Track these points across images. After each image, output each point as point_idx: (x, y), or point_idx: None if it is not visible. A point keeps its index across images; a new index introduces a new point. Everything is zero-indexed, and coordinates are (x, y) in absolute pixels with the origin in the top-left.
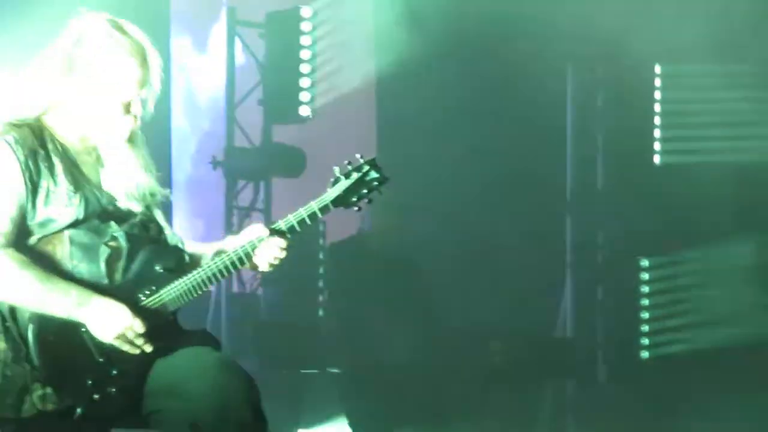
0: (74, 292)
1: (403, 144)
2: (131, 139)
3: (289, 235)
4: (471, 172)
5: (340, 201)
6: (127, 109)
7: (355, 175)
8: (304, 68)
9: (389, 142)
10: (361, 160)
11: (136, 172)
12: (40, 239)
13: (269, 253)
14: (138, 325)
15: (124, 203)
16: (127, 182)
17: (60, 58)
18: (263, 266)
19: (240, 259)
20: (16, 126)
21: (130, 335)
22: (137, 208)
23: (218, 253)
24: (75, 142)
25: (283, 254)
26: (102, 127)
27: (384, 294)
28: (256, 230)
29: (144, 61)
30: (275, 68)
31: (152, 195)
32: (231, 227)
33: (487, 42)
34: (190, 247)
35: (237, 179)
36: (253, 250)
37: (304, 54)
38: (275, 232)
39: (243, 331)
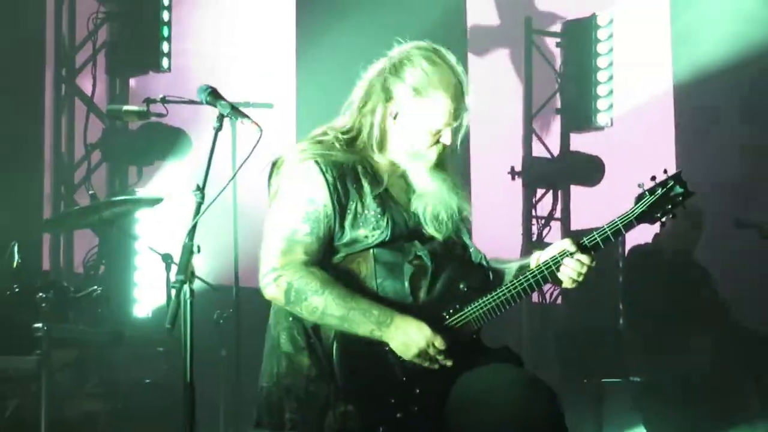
0: (376, 312)
1: (700, 151)
2: (438, 164)
3: (593, 253)
4: None
5: (645, 217)
6: (436, 139)
7: (659, 191)
8: (602, 76)
9: (688, 151)
10: (665, 175)
11: (444, 196)
12: (345, 257)
13: (573, 269)
14: (440, 342)
15: (430, 225)
16: (434, 206)
17: (378, 86)
18: (567, 283)
19: (544, 278)
20: (328, 147)
21: (432, 352)
22: (442, 229)
23: (522, 268)
24: (385, 164)
25: (585, 270)
26: (410, 155)
27: (683, 301)
28: (561, 245)
29: (459, 95)
30: (572, 77)
31: (459, 213)
32: (530, 236)
33: None
34: (494, 262)
35: (535, 188)
36: (557, 267)
37: (602, 62)
38: (581, 248)
39: (544, 342)
